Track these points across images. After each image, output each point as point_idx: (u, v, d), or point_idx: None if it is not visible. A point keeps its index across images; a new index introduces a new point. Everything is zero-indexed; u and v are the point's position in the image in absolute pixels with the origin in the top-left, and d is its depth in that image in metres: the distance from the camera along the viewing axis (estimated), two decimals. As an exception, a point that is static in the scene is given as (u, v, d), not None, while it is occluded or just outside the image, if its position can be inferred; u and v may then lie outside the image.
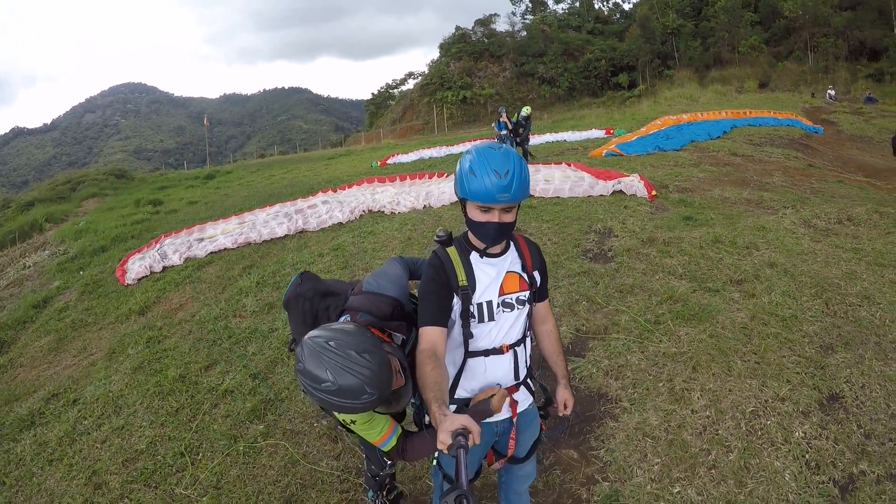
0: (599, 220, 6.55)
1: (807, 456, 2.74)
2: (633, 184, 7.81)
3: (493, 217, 1.68)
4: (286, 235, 7.67)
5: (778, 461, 2.72)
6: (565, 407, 1.98)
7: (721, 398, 3.18)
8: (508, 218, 1.70)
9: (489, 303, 1.77)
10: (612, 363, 3.69)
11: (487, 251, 1.79)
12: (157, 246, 8.04)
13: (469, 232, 1.83)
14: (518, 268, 1.84)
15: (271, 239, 7.60)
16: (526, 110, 12.91)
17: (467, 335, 1.77)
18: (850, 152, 13.96)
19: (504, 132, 12.99)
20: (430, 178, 10.77)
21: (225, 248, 7.48)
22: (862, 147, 14.97)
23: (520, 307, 1.83)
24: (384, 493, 2.46)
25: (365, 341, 1.58)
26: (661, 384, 3.39)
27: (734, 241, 5.38)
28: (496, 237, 1.72)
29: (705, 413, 3.09)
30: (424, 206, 8.36)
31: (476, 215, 1.70)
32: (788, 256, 4.93)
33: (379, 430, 1.82)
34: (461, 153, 12.42)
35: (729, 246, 5.30)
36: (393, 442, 1.83)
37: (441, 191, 8.85)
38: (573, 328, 4.15)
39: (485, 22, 45.59)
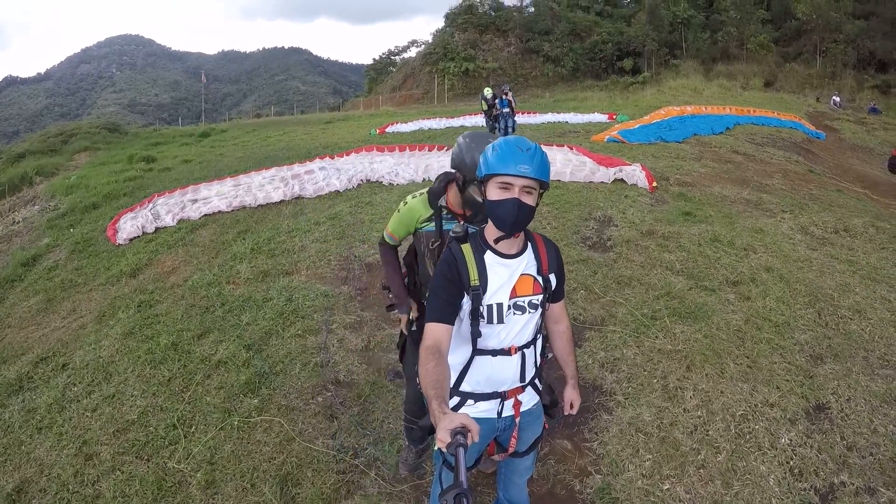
0: (599, 207, 6.53)
1: (791, 462, 2.81)
2: (635, 173, 7.77)
3: (514, 193, 1.66)
4: (282, 201, 7.54)
5: (764, 465, 2.79)
6: (571, 406, 2.02)
7: (713, 399, 3.24)
8: (529, 200, 1.68)
9: (499, 305, 1.75)
10: (608, 356, 3.73)
11: (503, 251, 1.77)
12: (150, 205, 7.87)
13: (486, 229, 1.80)
14: (533, 270, 1.82)
15: (267, 203, 7.46)
16: (488, 91, 13.14)
17: (475, 334, 1.76)
18: (851, 161, 13.97)
19: (507, 110, 12.82)
20: (429, 150, 10.62)
21: (219, 211, 7.35)
22: (863, 158, 14.97)
23: (532, 310, 1.81)
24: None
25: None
26: (655, 380, 3.44)
27: (732, 242, 5.41)
28: (516, 218, 1.68)
29: (697, 413, 3.15)
30: (423, 178, 8.27)
31: (496, 194, 1.68)
32: (784, 262, 4.97)
33: (391, 224, 2.47)
34: (461, 126, 12.33)
35: (727, 246, 5.32)
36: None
37: (441, 164, 8.72)
38: (570, 317, 4.15)
39: (493, -6, 44.53)
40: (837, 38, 33.37)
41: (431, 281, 1.82)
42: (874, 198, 8.95)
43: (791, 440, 2.94)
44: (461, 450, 1.27)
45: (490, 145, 1.73)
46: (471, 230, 1.86)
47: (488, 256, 1.76)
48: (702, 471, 2.78)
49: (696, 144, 11.24)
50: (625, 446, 2.96)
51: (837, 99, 26.56)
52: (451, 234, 1.83)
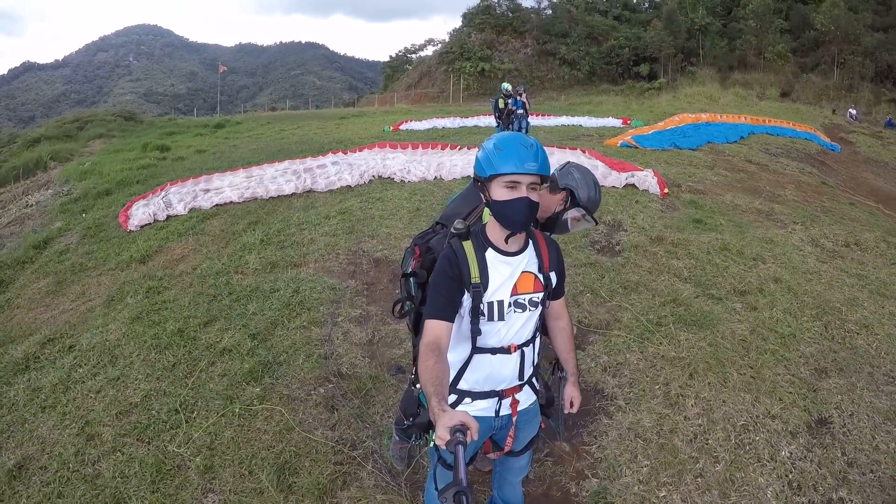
0: (610, 211, 6.50)
1: (790, 476, 2.78)
2: (647, 179, 7.73)
3: (521, 192, 1.65)
4: (293, 193, 7.56)
5: (762, 478, 2.77)
6: (571, 405, 1.99)
7: (714, 408, 3.22)
8: (535, 196, 1.68)
9: (500, 302, 1.75)
10: (611, 360, 3.72)
11: (505, 249, 1.76)
12: (162, 193, 7.95)
13: (487, 226, 1.80)
14: (534, 268, 1.82)
15: (278, 196, 7.50)
16: (506, 85, 12.94)
17: (475, 332, 1.76)
18: (864, 175, 13.85)
19: (521, 111, 12.75)
20: (442, 149, 10.62)
21: (231, 202, 7.39)
22: (877, 172, 14.83)
23: (532, 308, 1.82)
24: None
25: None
26: (657, 387, 3.42)
27: (741, 251, 5.37)
28: (526, 216, 1.68)
29: (697, 421, 3.13)
30: (435, 177, 8.26)
31: (503, 194, 1.67)
32: (793, 274, 4.93)
33: None
34: (475, 126, 12.30)
35: (736, 255, 5.29)
36: None
37: (453, 163, 8.72)
38: (575, 320, 4.15)
39: (511, -5, 44.44)
40: (856, 49, 32.95)
41: (432, 278, 1.81)
42: (887, 212, 8.86)
43: (791, 453, 2.91)
44: (460, 447, 1.27)
45: (492, 144, 1.72)
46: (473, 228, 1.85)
47: (489, 254, 1.76)
48: (699, 480, 2.76)
49: (709, 152, 11.18)
50: (623, 451, 2.95)
51: (854, 112, 26.33)
52: (452, 230, 1.80)
